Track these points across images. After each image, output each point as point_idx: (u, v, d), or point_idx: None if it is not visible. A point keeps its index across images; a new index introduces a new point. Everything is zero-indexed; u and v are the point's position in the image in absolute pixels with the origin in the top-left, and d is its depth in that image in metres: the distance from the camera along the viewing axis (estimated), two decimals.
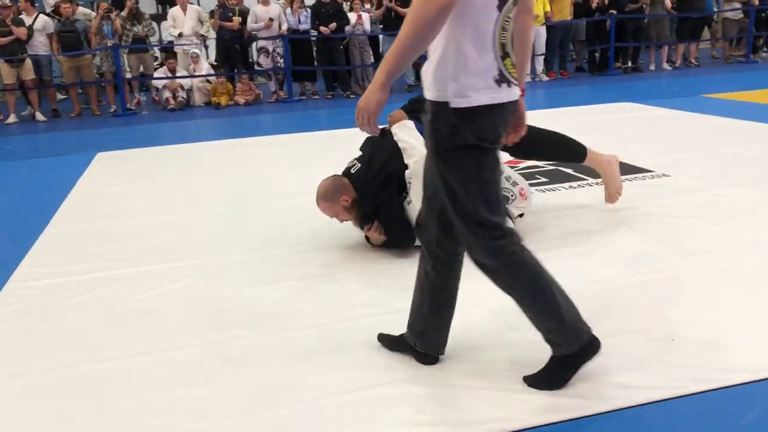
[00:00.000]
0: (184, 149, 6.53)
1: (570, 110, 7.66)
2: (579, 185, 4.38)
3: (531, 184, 4.32)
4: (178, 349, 2.40)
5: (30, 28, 8.96)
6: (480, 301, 2.55)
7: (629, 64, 11.44)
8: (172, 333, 2.54)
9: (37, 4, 10.93)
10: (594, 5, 10.99)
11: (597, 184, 4.34)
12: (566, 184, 4.40)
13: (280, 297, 2.83)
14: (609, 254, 3.13)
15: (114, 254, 3.48)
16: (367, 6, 10.43)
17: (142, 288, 3.01)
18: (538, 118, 7.33)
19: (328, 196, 3.28)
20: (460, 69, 1.74)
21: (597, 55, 11.47)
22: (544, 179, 4.56)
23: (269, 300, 2.80)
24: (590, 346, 1.97)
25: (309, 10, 9.96)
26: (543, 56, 10.78)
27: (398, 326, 2.29)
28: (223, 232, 3.73)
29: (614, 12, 10.93)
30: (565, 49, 11.19)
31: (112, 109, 9.44)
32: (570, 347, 1.96)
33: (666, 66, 11.60)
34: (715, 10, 12.10)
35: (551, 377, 2.00)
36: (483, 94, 1.75)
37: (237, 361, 2.30)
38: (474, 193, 1.84)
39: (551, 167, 4.85)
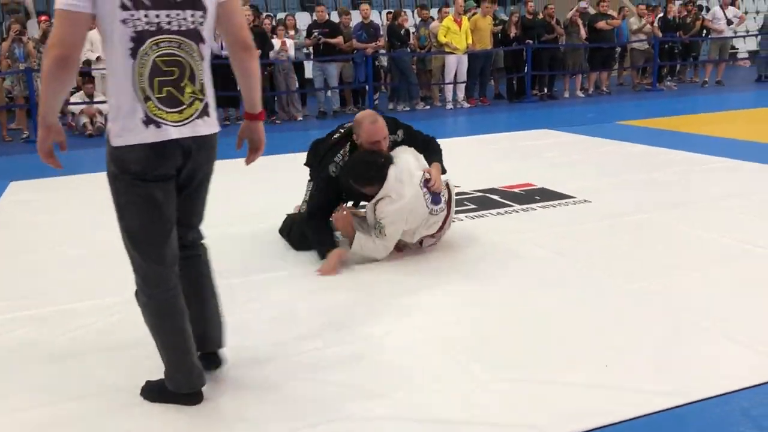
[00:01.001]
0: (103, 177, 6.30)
1: (493, 137, 7.88)
2: (506, 211, 4.49)
3: (460, 211, 4.43)
4: (111, 393, 2.31)
5: None
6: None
7: (545, 91, 11.89)
8: (104, 378, 2.43)
9: None
10: (512, 35, 11.38)
11: (523, 210, 4.48)
12: (493, 211, 4.51)
13: None
14: (532, 278, 3.22)
15: (33, 291, 3.31)
16: (292, 32, 10.43)
17: (67, 327, 2.86)
18: (465, 144, 7.60)
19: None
20: (114, 113, 2.00)
21: (515, 82, 11.86)
22: (472, 205, 4.66)
23: None
24: (188, 397, 2.18)
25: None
26: (464, 84, 11.05)
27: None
28: None
29: (530, 42, 11.35)
30: (484, 77, 11.51)
31: (24, 135, 9.03)
32: (172, 386, 2.18)
33: (579, 93, 12.12)
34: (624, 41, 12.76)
35: (151, 391, 2.24)
36: (132, 134, 1.97)
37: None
38: (123, 226, 2.08)
39: (478, 194, 4.96)
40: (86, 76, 9.83)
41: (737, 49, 17.75)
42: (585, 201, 4.65)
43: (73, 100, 9.49)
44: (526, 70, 11.46)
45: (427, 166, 3.57)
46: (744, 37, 16.61)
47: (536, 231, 3.99)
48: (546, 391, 2.20)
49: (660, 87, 12.64)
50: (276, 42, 9.91)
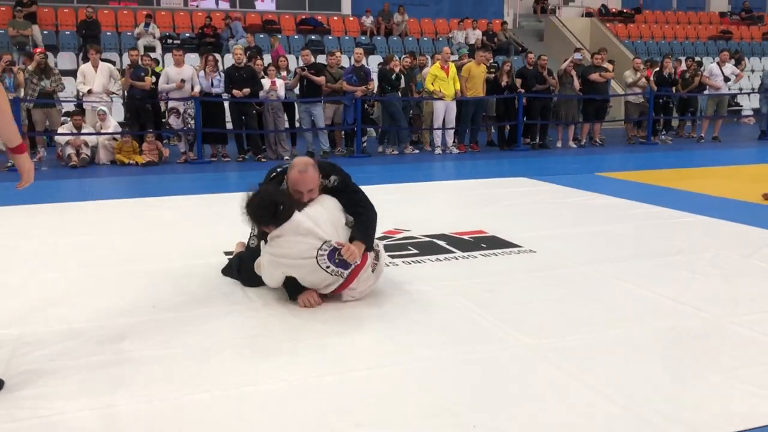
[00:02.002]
0: (77, 207, 6.39)
1: (466, 182, 7.84)
2: (446, 258, 4.42)
3: (401, 256, 4.37)
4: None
5: None
6: None
7: (537, 140, 11.88)
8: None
9: None
10: (503, 84, 11.44)
11: (463, 258, 4.41)
12: (433, 257, 4.43)
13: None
14: (438, 329, 3.14)
15: None
16: (284, 73, 10.57)
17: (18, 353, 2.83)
18: (433, 188, 7.59)
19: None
20: None
21: (507, 130, 11.88)
22: (414, 250, 4.59)
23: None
24: None
25: (223, 74, 10.02)
26: (453, 130, 11.09)
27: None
28: (111, 295, 3.60)
29: (522, 91, 11.41)
30: (476, 123, 11.55)
31: (8, 164, 9.13)
32: None
33: (572, 144, 12.09)
34: (620, 93, 12.79)
35: None
36: None
37: None
38: None
39: (426, 239, 4.89)
40: (78, 107, 10.00)
41: (741, 106, 17.72)
42: (530, 251, 4.57)
43: (61, 130, 9.63)
44: (518, 119, 11.49)
45: (344, 220, 3.43)
46: (748, 94, 16.58)
47: (467, 279, 3.91)
48: None
49: (654, 140, 12.59)
50: (266, 82, 10.04)
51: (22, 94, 9.37)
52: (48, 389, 2.50)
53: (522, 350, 2.89)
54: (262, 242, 3.40)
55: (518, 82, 11.67)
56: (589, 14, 20.97)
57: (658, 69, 12.85)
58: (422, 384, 2.58)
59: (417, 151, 11.25)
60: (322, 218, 3.32)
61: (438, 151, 10.98)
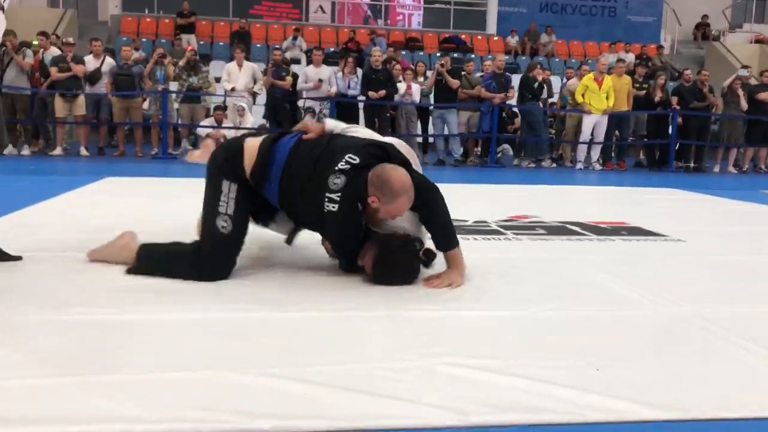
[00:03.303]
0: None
1: (608, 188, 7.17)
2: (578, 239, 3.87)
3: (526, 234, 3.90)
4: None
5: (98, 70, 9.31)
6: None
7: (691, 163, 10.83)
8: None
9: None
10: (656, 99, 10.57)
11: (599, 240, 3.85)
12: (564, 236, 3.91)
13: None
14: (583, 297, 2.63)
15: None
16: (420, 79, 10.38)
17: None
18: (571, 191, 6.98)
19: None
20: None
21: (657, 150, 10.94)
22: (543, 231, 4.08)
23: None
24: None
25: (359, 76, 9.99)
26: (599, 145, 10.34)
27: None
28: None
29: (678, 108, 10.47)
30: (623, 140, 10.73)
31: (153, 152, 9.56)
32: None
33: (732, 169, 10.91)
34: None
35: None
36: None
37: None
38: None
39: (557, 224, 4.36)
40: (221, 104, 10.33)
41: None
42: (678, 240, 3.92)
43: (203, 123, 9.98)
44: (670, 138, 10.54)
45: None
46: None
47: (601, 256, 3.37)
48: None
49: None
50: (401, 85, 9.88)
51: (171, 87, 9.80)
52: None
53: (660, 314, 2.34)
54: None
55: (674, 100, 10.74)
56: (759, 41, 19.27)
57: None
58: (540, 330, 2.12)
59: (554, 165, 10.61)
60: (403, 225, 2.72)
61: (579, 166, 10.28)
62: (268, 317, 2.18)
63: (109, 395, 1.54)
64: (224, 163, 2.66)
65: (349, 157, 2.52)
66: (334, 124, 2.88)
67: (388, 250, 2.59)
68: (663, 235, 4.04)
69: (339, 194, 2.47)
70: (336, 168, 2.50)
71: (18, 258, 2.78)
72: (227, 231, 2.59)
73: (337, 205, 2.48)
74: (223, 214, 2.59)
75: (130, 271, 2.61)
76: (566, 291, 2.61)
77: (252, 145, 2.68)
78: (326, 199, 2.48)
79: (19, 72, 9.02)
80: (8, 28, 9.61)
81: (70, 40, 9.40)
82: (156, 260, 2.64)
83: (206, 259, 2.57)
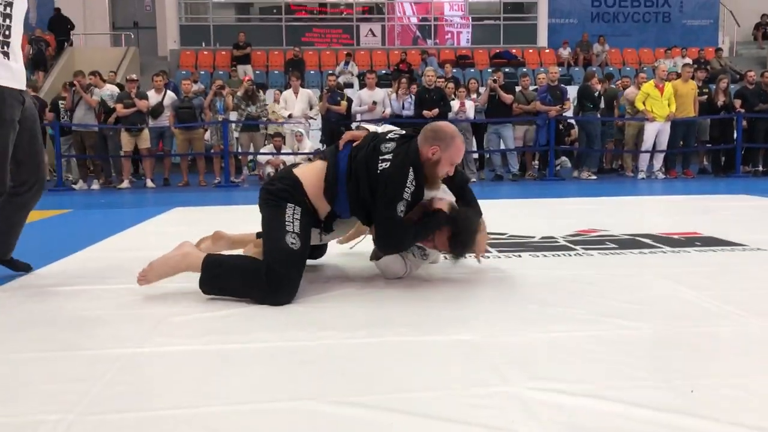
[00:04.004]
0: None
1: (675, 197, 6.98)
2: (651, 251, 3.77)
3: (597, 248, 3.83)
4: None
5: (160, 104, 9.65)
6: None
7: (759, 167, 10.45)
8: None
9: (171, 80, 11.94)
10: (719, 103, 10.27)
11: (673, 252, 3.74)
12: (636, 250, 3.81)
13: None
14: (643, 305, 2.57)
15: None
16: (474, 96, 10.36)
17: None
18: (635, 201, 6.83)
19: None
20: None
21: (722, 156, 10.60)
22: (613, 245, 3.99)
23: None
24: None
25: (413, 96, 10.04)
26: (662, 153, 10.09)
27: None
28: None
29: (742, 111, 10.14)
30: (688, 147, 10.45)
31: (216, 181, 9.80)
32: None
33: None
34: None
35: None
36: None
37: None
38: None
39: (627, 237, 4.26)
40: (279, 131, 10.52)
41: None
42: (758, 249, 3.77)
43: (263, 151, 10.19)
44: (736, 142, 10.21)
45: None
46: None
47: (678, 268, 3.27)
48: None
49: None
50: (455, 103, 9.89)
51: (230, 116, 10.05)
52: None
53: (749, 328, 2.25)
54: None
55: (737, 103, 10.41)
56: None
57: None
58: (625, 349, 2.06)
59: (612, 175, 10.40)
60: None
61: (642, 176, 10.04)
62: (339, 343, 2.17)
63: (205, 426, 1.57)
64: (285, 192, 2.77)
65: (394, 133, 2.88)
66: (374, 128, 3.11)
67: (462, 220, 2.78)
68: (740, 245, 3.90)
69: (390, 154, 2.72)
70: (385, 137, 2.81)
71: (28, 268, 3.25)
72: (297, 247, 2.67)
73: (389, 162, 2.69)
74: (291, 232, 2.68)
75: (202, 283, 2.67)
76: (647, 307, 2.54)
77: (308, 173, 2.83)
78: (379, 162, 2.70)
79: (87, 110, 9.41)
80: (76, 69, 10.09)
81: (134, 76, 9.76)
82: (225, 276, 2.68)
83: (281, 275, 2.62)
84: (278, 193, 2.78)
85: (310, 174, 2.82)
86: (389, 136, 2.84)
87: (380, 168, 2.67)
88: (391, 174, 2.66)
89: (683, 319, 2.40)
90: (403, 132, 2.91)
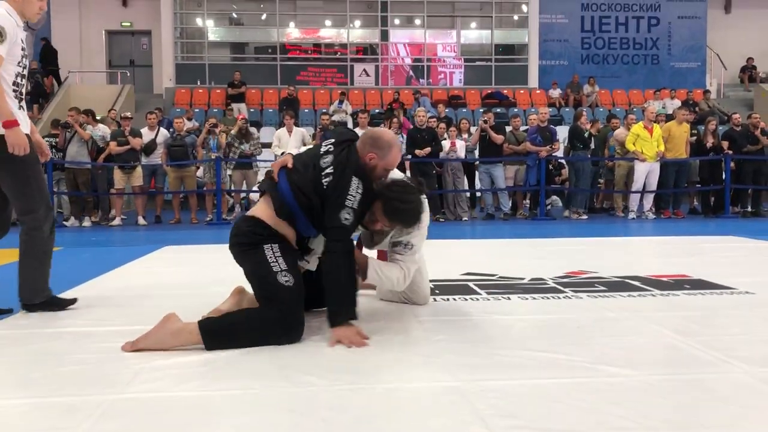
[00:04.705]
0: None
1: (662, 238, 7.01)
2: (639, 294, 3.77)
3: (586, 291, 3.83)
4: None
5: (153, 142, 9.69)
6: None
7: (748, 208, 10.53)
8: None
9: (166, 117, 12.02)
10: (708, 145, 10.40)
11: (662, 295, 3.74)
12: (625, 293, 3.81)
13: None
14: (632, 351, 2.56)
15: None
16: (465, 136, 10.46)
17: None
18: (626, 242, 6.83)
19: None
20: None
21: (712, 197, 10.69)
22: (603, 288, 3.99)
23: None
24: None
25: (405, 136, 10.12)
26: (652, 194, 10.17)
27: None
28: None
29: (731, 152, 10.26)
30: (679, 188, 10.54)
31: (208, 218, 9.79)
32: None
33: None
34: None
35: None
36: None
37: None
38: None
39: (616, 279, 4.27)
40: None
41: None
42: (746, 293, 3.79)
43: (256, 188, 10.19)
44: (725, 183, 10.31)
45: None
46: None
47: (666, 312, 3.28)
48: None
49: None
50: (446, 143, 9.97)
51: (223, 154, 10.09)
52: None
53: (738, 376, 2.24)
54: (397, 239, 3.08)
55: (725, 144, 10.54)
56: None
57: None
58: (613, 398, 2.05)
59: (602, 215, 10.45)
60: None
61: (632, 215, 10.10)
62: (323, 390, 2.16)
63: None
64: (252, 234, 2.80)
65: (328, 143, 2.90)
66: (295, 152, 3.27)
67: (391, 195, 2.80)
68: (729, 288, 3.91)
69: (331, 167, 2.77)
70: (321, 153, 2.84)
71: (73, 301, 3.42)
72: (291, 283, 2.70)
73: (331, 176, 2.75)
74: (280, 271, 2.71)
75: (210, 349, 2.57)
76: (635, 354, 2.54)
77: (260, 209, 2.87)
78: (323, 177, 2.76)
79: (80, 147, 9.43)
80: (72, 105, 10.12)
81: (128, 114, 9.82)
82: (231, 335, 2.63)
83: (285, 313, 2.65)
84: (248, 236, 2.81)
85: (263, 209, 2.86)
86: (323, 150, 2.87)
87: (325, 183, 2.75)
88: (335, 186, 2.74)
89: (671, 365, 2.40)
90: (333, 140, 2.92)
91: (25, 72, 3.30)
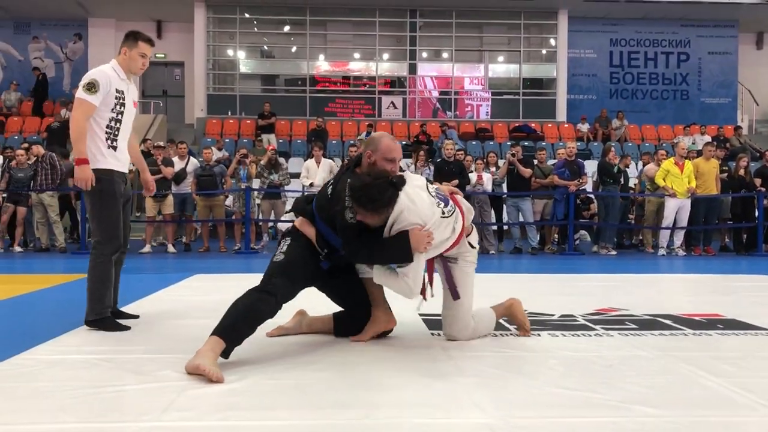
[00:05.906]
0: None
1: (695, 276, 6.91)
2: (671, 333, 3.73)
3: (617, 329, 3.79)
4: None
5: (183, 171, 9.86)
6: None
7: None
8: None
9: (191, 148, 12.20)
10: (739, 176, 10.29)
11: (694, 335, 3.70)
12: (657, 332, 3.77)
13: None
14: (662, 391, 2.53)
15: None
16: (492, 169, 10.48)
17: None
18: (657, 279, 6.70)
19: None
20: None
21: (744, 234, 10.54)
22: (633, 326, 3.95)
23: None
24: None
25: (431, 167, 10.17)
26: (683, 230, 10.06)
27: None
28: None
29: (763, 189, 10.14)
30: (709, 224, 10.41)
31: (236, 247, 9.89)
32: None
33: None
34: None
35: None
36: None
37: None
38: None
39: (648, 317, 4.22)
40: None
41: None
42: None
43: (284, 218, 10.29)
44: (757, 221, 10.17)
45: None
46: None
47: (699, 352, 3.23)
48: None
49: None
50: (473, 176, 10.00)
51: (253, 184, 10.23)
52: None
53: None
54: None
55: (757, 181, 10.43)
56: None
57: None
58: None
59: (630, 251, 10.34)
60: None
61: (662, 252, 9.98)
62: (360, 423, 2.17)
63: None
64: (287, 233, 3.34)
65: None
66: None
67: (356, 182, 3.01)
68: (764, 329, 3.85)
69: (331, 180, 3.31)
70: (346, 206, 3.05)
71: (136, 316, 3.91)
72: (280, 259, 3.12)
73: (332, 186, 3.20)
74: (279, 252, 3.18)
75: (231, 348, 2.83)
76: (668, 394, 2.51)
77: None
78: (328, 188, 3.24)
79: None
80: None
81: (161, 143, 10.02)
82: (231, 324, 2.88)
83: (271, 282, 3.01)
84: (285, 234, 3.36)
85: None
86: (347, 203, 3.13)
87: (329, 193, 3.18)
88: (334, 193, 3.13)
89: (704, 407, 2.36)
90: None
91: (120, 117, 3.75)
